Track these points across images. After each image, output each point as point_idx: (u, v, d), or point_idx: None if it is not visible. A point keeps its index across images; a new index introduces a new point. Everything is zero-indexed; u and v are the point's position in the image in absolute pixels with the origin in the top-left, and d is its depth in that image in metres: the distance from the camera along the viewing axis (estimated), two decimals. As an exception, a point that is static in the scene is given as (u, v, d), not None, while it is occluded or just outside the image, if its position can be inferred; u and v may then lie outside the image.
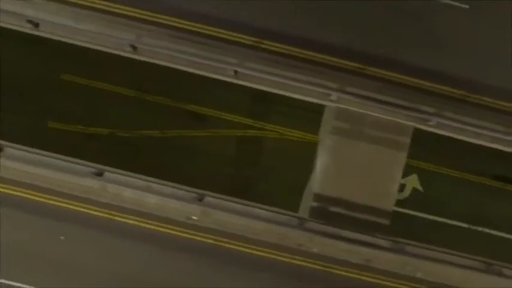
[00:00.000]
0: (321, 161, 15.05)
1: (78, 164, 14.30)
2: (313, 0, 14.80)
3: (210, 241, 14.64)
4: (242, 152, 20.38)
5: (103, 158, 16.00)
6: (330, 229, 14.34)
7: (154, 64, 15.10)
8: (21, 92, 19.15)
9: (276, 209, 14.66)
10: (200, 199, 14.34)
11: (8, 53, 18.73)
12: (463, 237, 18.74)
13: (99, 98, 19.51)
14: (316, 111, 17.61)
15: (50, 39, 14.88)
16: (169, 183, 14.47)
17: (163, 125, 19.73)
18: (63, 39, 14.62)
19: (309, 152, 19.59)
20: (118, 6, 14.69)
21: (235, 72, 14.49)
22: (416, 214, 18.94)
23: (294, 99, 15.40)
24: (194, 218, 14.54)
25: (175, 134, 19.82)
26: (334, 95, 14.13)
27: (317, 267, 14.70)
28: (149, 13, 14.72)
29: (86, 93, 19.48)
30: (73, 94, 19.36)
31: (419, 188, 19.31)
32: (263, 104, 19.87)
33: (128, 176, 14.42)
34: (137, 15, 14.74)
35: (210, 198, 14.33)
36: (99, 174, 14.32)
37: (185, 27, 14.75)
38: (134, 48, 14.49)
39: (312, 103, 15.25)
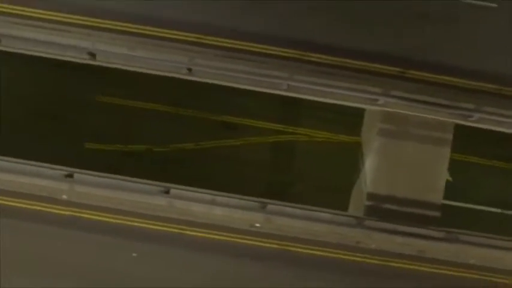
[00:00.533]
0: (370, 162, 16.01)
1: (146, 184, 15.13)
2: (351, 14, 15.68)
3: (275, 246, 15.57)
4: (275, 157, 21.23)
5: (142, 173, 16.78)
6: (386, 225, 15.34)
7: (184, 80, 15.95)
8: (55, 116, 19.88)
9: (333, 210, 15.63)
10: (263, 207, 15.25)
11: (42, 77, 19.50)
12: (497, 222, 19.75)
13: (134, 116, 20.27)
14: (342, 112, 18.64)
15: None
16: (233, 195, 15.35)
17: (198, 137, 20.51)
18: (120, 67, 15.39)
19: (337, 151, 20.67)
20: (169, 31, 15.44)
21: (288, 85, 15.37)
22: (449, 203, 19.90)
23: (320, 102, 16.37)
24: (257, 225, 15.45)
25: (210, 145, 20.60)
26: (382, 100, 15.06)
27: (376, 262, 15.69)
28: (199, 35, 15.48)
29: (121, 113, 20.23)
30: (108, 114, 20.13)
31: (449, 178, 20.36)
32: (291, 109, 20.75)
33: (193, 191, 15.27)
34: (188, 39, 15.51)
35: (272, 205, 15.24)
36: (166, 191, 15.16)
37: (235, 46, 15.55)
38: (189, 70, 15.30)
39: (338, 105, 16.24)
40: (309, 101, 17.06)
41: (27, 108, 19.88)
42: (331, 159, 20.46)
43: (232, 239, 15.55)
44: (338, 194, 18.91)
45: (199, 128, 20.49)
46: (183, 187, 15.37)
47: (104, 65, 15.33)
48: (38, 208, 15.37)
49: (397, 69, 15.67)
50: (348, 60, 15.59)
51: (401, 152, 15.69)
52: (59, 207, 15.39)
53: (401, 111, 15.45)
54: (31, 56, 15.54)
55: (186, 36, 15.44)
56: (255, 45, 15.56)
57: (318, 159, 20.70)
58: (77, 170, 15.28)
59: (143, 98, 20.18)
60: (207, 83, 15.73)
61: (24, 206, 15.39)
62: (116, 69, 15.57)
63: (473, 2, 16.18)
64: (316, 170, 20.51)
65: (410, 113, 15.45)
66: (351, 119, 19.09)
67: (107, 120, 20.19)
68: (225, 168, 20.32)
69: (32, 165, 15.26)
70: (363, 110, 17.00)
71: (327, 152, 20.81)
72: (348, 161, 19.21)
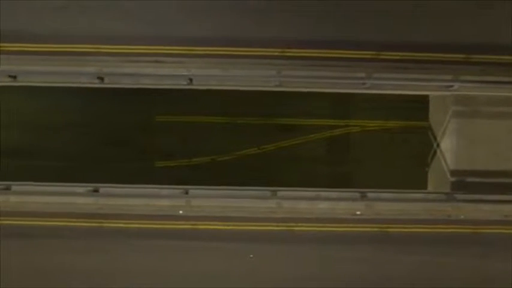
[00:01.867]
0: (448, 142, 17.68)
1: (256, 190, 16.65)
2: (416, 14, 17.29)
3: (376, 229, 17.18)
4: (333, 150, 22.78)
5: (210, 182, 18.30)
6: (473, 196, 17.00)
7: (235, 90, 17.46)
8: (125, 140, 21.29)
9: (424, 190, 17.30)
10: (363, 196, 16.85)
11: (105, 106, 20.90)
12: None
13: (195, 130, 21.69)
14: (387, 100, 20.29)
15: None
16: (334, 189, 16.94)
17: (257, 142, 21.98)
18: (215, 88, 16.89)
19: (390, 136, 22.31)
20: (256, 49, 16.95)
21: (363, 83, 16.96)
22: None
23: (366, 94, 18.01)
24: (358, 213, 17.05)
25: (271, 147, 22.11)
26: (456, 85, 16.72)
27: (467, 230, 17.36)
28: (283, 49, 17.01)
29: (181, 129, 21.66)
30: (170, 132, 21.56)
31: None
32: (341, 104, 22.32)
33: (298, 190, 16.83)
34: (272, 53, 17.03)
35: (371, 193, 16.84)
36: (274, 194, 16.70)
37: (315, 55, 17.08)
38: (278, 82, 16.83)
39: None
40: (355, 94, 18.86)
41: (92, 136, 21.32)
42: (384, 146, 22.12)
43: (337, 229, 17.13)
44: (396, 175, 20.60)
45: (257, 133, 21.93)
46: (288, 188, 16.91)
47: (200, 88, 16.80)
48: (159, 226, 16.86)
49: (462, 55, 17.29)
50: (418, 54, 17.18)
51: (475, 129, 17.37)
52: (178, 222, 16.90)
53: (472, 93, 17.12)
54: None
55: (271, 51, 16.95)
56: (333, 51, 17.10)
57: (372, 147, 22.31)
58: (191, 186, 16.75)
59: (197, 113, 21.61)
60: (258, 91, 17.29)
61: (146, 226, 16.88)
62: (163, 90, 17.13)
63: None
64: (372, 156, 22.11)
65: (479, 93, 17.12)
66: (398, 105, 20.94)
67: (170, 137, 21.60)
68: (287, 166, 21.83)
69: (148, 188, 16.73)
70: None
71: (378, 139, 22.43)
72: (397, 145, 21.08)
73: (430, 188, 18.99)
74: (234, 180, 19.72)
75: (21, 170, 20.07)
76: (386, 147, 22.10)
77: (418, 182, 20.15)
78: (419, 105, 20.34)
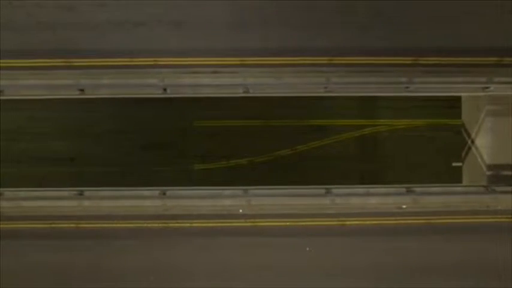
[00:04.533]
0: (483, 139, 19.13)
1: (311, 188, 18.05)
2: (453, 20, 18.73)
3: (422, 221, 18.60)
4: (363, 149, 24.13)
5: (248, 182, 19.62)
6: (509, 188, 18.45)
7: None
8: (164, 145, 22.55)
9: (464, 183, 18.76)
10: (409, 191, 18.27)
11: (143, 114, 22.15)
12: None
13: (231, 134, 22.93)
14: (411, 99, 21.72)
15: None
16: (382, 185, 18.37)
17: (291, 143, 23.27)
18: (269, 95, 18.26)
19: (417, 134, 23.70)
20: (305, 58, 18.33)
21: (407, 87, 18.39)
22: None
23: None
24: (404, 206, 18.46)
25: (304, 148, 23.41)
26: (492, 87, 18.17)
27: (505, 220, 18.80)
28: (330, 58, 18.40)
29: (218, 133, 22.93)
30: (207, 136, 22.84)
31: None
32: (369, 104, 23.69)
33: (349, 187, 18.25)
34: (320, 62, 18.42)
35: (417, 188, 18.27)
36: (329, 191, 18.10)
37: (359, 62, 18.49)
38: (326, 88, 18.24)
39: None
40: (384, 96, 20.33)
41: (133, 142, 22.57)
42: (410, 141, 23.50)
43: (385, 222, 18.55)
44: (422, 170, 22.00)
45: (291, 135, 23.16)
46: (341, 186, 18.32)
47: (257, 94, 18.17)
48: (222, 225, 18.23)
49: (495, 58, 18.73)
50: (454, 58, 18.62)
51: (509, 127, 18.83)
52: (239, 220, 18.27)
53: (505, 93, 18.57)
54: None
55: (320, 60, 18.34)
56: (376, 58, 18.52)
57: (399, 144, 23.66)
58: (250, 186, 18.12)
59: (233, 117, 22.88)
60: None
61: (209, 225, 18.24)
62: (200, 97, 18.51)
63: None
64: (400, 153, 23.46)
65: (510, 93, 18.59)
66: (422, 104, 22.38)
67: (207, 142, 22.86)
68: (320, 165, 23.11)
69: (210, 189, 18.09)
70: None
71: (406, 136, 23.80)
72: (424, 142, 22.35)
73: (464, 182, 20.42)
74: (271, 179, 21.05)
75: (71, 177, 21.41)
76: (414, 145, 23.42)
77: (452, 176, 21.64)
78: (448, 104, 21.88)
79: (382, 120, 23.86)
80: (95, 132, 22.55)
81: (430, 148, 23.01)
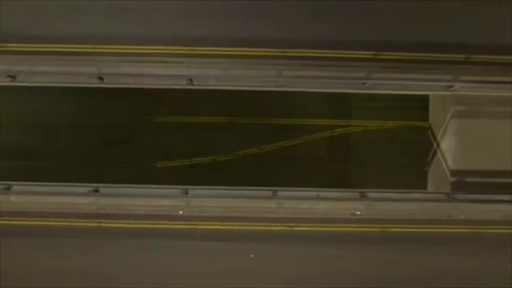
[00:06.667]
0: (448, 142, 17.70)
1: (256, 190, 16.67)
2: (415, 14, 17.31)
3: (377, 229, 17.20)
4: (333, 150, 22.83)
5: (211, 182, 18.31)
6: (473, 196, 16.99)
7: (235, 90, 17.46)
8: (125, 141, 21.33)
9: (425, 190, 17.32)
10: (363, 196, 16.86)
11: (106, 106, 20.95)
12: None
13: (195, 130, 21.73)
14: (389, 99, 20.37)
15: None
16: (334, 189, 16.96)
17: (259, 142, 22.02)
18: (215, 88, 16.89)
19: (390, 136, 22.35)
20: (256, 49, 16.96)
21: (364, 84, 16.98)
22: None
23: (367, 94, 18.05)
24: (358, 213, 17.06)
25: (272, 147, 22.15)
26: (456, 85, 16.73)
27: (466, 230, 17.37)
28: (282, 50, 17.02)
29: (182, 129, 21.71)
30: (170, 132, 21.60)
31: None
32: (342, 104, 22.37)
33: (298, 190, 16.84)
34: (272, 54, 17.05)
35: (371, 193, 16.86)
36: (275, 194, 16.70)
37: (314, 55, 17.11)
38: (277, 82, 16.84)
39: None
40: (355, 94, 18.91)
41: (93, 136, 21.38)
42: (384, 146, 22.17)
43: (337, 229, 17.15)
44: (396, 175, 20.64)
45: (258, 133, 21.99)
46: (289, 188, 16.92)
47: (201, 87, 16.81)
48: (160, 226, 16.88)
49: (462, 55, 17.29)
50: (417, 54, 17.20)
51: (476, 130, 17.39)
52: (178, 222, 16.92)
53: (471, 93, 17.12)
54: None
55: (271, 52, 16.96)
56: (332, 51, 17.11)
57: (373, 147, 22.35)
58: (190, 186, 16.77)
59: (197, 113, 21.63)
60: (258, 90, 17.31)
61: (145, 226, 16.91)
62: (164, 90, 17.14)
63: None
64: (372, 156, 22.16)
65: (479, 93, 17.12)
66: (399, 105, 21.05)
67: (170, 138, 21.63)
68: (288, 166, 21.87)
69: (148, 188, 16.75)
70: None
71: (379, 139, 22.48)
72: (396, 144, 21.22)
73: (430, 188, 19.02)
74: (235, 180, 19.79)
75: (21, 170, 20.22)
76: (386, 147, 22.20)
77: (419, 182, 20.24)
78: (419, 105, 20.51)
79: (354, 121, 22.66)
80: (53, 124, 21.55)
81: (401, 151, 21.78)
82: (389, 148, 22.13)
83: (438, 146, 18.40)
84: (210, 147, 21.78)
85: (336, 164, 22.68)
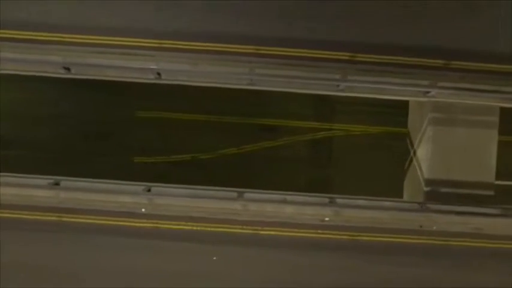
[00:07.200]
0: (424, 150, 17.10)
1: (222, 190, 16.12)
2: (394, 14, 16.74)
3: (346, 237, 16.61)
4: (315, 153, 22.33)
5: (190, 180, 17.76)
6: (446, 207, 16.40)
7: (218, 88, 16.96)
8: (104, 134, 20.89)
9: (397, 199, 16.72)
10: (331, 201, 16.28)
11: (86, 100, 20.54)
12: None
13: (175, 127, 21.28)
14: (373, 104, 19.85)
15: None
16: (302, 193, 16.39)
17: (239, 141, 21.56)
18: (184, 83, 16.36)
19: (373, 142, 21.82)
20: (228, 45, 16.44)
21: (337, 86, 16.42)
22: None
23: (352, 98, 17.49)
24: (327, 219, 16.48)
25: (252, 148, 21.67)
26: (433, 91, 16.15)
27: (438, 242, 16.77)
28: (256, 47, 16.49)
29: (162, 125, 21.26)
30: (150, 128, 21.15)
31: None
32: (326, 107, 21.86)
33: (265, 193, 16.28)
34: (245, 51, 16.51)
35: (340, 199, 16.28)
36: (241, 195, 16.15)
37: (288, 54, 16.57)
38: (251, 80, 16.30)
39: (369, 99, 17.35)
40: (341, 98, 18.33)
41: (72, 128, 20.95)
42: (366, 151, 21.63)
43: (305, 234, 16.57)
44: (376, 182, 20.05)
45: (239, 133, 21.55)
46: (255, 190, 16.36)
47: (170, 82, 16.28)
48: (121, 223, 16.34)
49: (441, 61, 16.72)
50: (395, 58, 16.64)
51: (453, 138, 16.80)
52: (140, 220, 16.37)
53: (449, 100, 16.54)
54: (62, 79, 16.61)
55: (244, 48, 16.43)
56: (307, 51, 16.58)
57: (354, 152, 21.83)
58: (154, 184, 16.24)
59: (182, 109, 21.18)
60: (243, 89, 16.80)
61: (106, 222, 16.36)
62: (147, 84, 16.61)
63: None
64: (354, 162, 21.63)
65: (457, 100, 16.54)
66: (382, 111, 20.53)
67: (151, 133, 21.20)
68: (267, 167, 21.40)
69: (109, 183, 16.22)
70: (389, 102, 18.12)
71: (362, 144, 21.96)
72: (382, 152, 20.79)
73: (405, 197, 18.43)
74: (213, 179, 19.26)
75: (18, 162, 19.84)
76: (367, 153, 21.68)
77: (395, 190, 19.65)
78: (400, 111, 19.94)
79: (337, 125, 22.26)
80: (33, 115, 21.19)
81: (383, 158, 21.26)
82: (371, 154, 21.65)
83: (415, 153, 17.81)
84: (190, 144, 21.40)
85: (315, 167, 22.25)
